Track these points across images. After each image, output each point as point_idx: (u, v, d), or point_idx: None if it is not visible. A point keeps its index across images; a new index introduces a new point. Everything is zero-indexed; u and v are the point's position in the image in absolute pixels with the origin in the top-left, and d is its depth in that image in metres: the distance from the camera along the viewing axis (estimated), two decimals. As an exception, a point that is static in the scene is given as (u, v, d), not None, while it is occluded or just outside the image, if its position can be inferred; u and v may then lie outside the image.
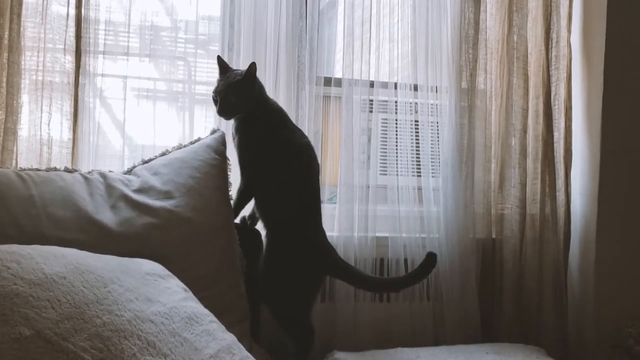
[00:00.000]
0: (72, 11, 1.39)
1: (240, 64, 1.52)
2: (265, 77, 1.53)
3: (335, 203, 1.58)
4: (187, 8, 1.61)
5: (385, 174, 1.64)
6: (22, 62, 1.36)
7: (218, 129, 1.31)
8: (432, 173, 1.63)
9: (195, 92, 1.63)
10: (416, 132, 1.64)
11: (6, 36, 1.32)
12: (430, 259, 1.33)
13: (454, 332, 1.59)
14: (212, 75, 1.60)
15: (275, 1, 1.53)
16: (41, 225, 1.00)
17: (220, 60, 1.33)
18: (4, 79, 1.32)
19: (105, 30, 1.46)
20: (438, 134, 1.65)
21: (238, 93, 1.26)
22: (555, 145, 1.68)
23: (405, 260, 1.59)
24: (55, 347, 0.68)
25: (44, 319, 0.69)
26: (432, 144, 1.64)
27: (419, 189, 1.62)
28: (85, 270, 0.80)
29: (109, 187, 1.12)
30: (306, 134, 1.54)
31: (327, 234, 1.54)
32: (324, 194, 1.60)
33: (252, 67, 1.27)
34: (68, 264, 0.79)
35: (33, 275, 0.73)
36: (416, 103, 1.64)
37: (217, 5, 1.57)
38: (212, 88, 1.62)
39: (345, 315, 1.54)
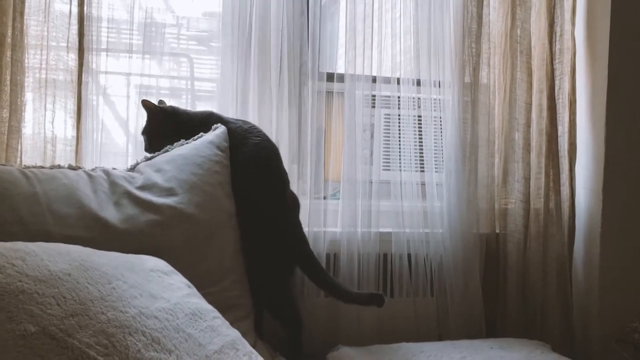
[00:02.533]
0: (75, 9, 1.39)
1: (241, 60, 1.51)
2: (268, 73, 1.53)
3: (339, 199, 1.58)
4: (189, 5, 1.61)
5: (389, 170, 1.64)
6: (26, 60, 1.36)
7: (220, 125, 1.31)
8: (436, 168, 1.63)
9: (198, 88, 1.63)
10: (419, 127, 1.63)
11: (9, 34, 1.32)
12: (377, 299, 1.32)
13: (457, 328, 1.58)
14: (214, 71, 1.61)
15: (276, -3, 1.53)
16: (45, 222, 1.00)
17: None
18: (8, 77, 1.32)
19: (107, 27, 1.46)
20: (441, 129, 1.64)
21: (148, 132, 1.35)
22: (559, 139, 1.67)
23: (409, 255, 1.59)
24: (60, 344, 0.68)
25: (49, 315, 0.70)
26: (435, 139, 1.63)
27: (422, 184, 1.62)
28: (90, 267, 0.80)
29: (113, 184, 1.12)
30: (309, 129, 1.55)
31: (330, 229, 1.55)
32: (327, 190, 1.61)
33: (144, 104, 1.34)
34: (72, 260, 0.80)
35: (38, 272, 0.74)
36: (419, 98, 1.63)
37: (219, 2, 1.57)
38: (214, 84, 1.63)
39: (349, 311, 1.54)
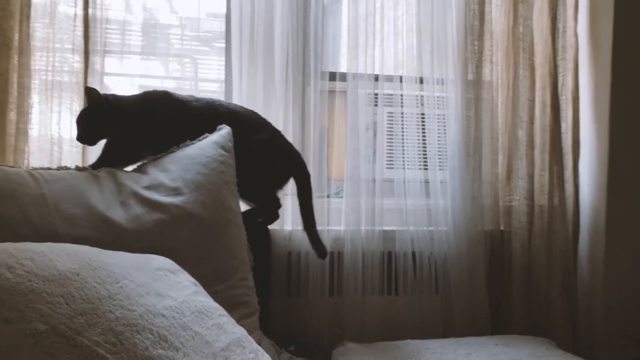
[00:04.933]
0: (80, 12, 1.41)
1: (244, 60, 1.52)
2: (272, 73, 1.54)
3: (342, 197, 1.58)
4: (192, 5, 1.62)
5: (392, 168, 1.64)
6: (32, 63, 1.38)
7: (224, 126, 1.32)
8: (439, 166, 1.63)
9: (202, 89, 1.65)
10: (422, 125, 1.63)
11: (16, 38, 1.34)
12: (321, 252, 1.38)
13: (462, 325, 1.59)
14: (218, 72, 1.62)
15: (279, -3, 1.54)
16: (53, 223, 1.02)
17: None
18: (15, 81, 1.34)
19: (112, 29, 1.48)
20: (444, 126, 1.64)
21: (87, 121, 1.25)
22: (563, 136, 1.67)
23: (413, 253, 1.60)
24: (69, 342, 0.69)
25: (58, 314, 0.71)
26: (438, 136, 1.64)
27: (426, 182, 1.63)
28: (98, 267, 0.81)
29: (119, 185, 1.13)
30: (312, 129, 1.56)
31: (334, 228, 1.57)
32: (330, 188, 1.61)
33: (90, 92, 1.24)
34: (80, 260, 0.81)
35: (47, 272, 0.75)
36: (422, 96, 1.64)
37: (222, 2, 1.58)
38: (218, 85, 1.64)
39: (354, 308, 1.55)
